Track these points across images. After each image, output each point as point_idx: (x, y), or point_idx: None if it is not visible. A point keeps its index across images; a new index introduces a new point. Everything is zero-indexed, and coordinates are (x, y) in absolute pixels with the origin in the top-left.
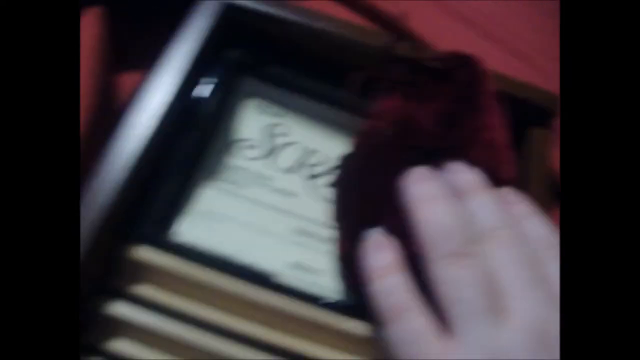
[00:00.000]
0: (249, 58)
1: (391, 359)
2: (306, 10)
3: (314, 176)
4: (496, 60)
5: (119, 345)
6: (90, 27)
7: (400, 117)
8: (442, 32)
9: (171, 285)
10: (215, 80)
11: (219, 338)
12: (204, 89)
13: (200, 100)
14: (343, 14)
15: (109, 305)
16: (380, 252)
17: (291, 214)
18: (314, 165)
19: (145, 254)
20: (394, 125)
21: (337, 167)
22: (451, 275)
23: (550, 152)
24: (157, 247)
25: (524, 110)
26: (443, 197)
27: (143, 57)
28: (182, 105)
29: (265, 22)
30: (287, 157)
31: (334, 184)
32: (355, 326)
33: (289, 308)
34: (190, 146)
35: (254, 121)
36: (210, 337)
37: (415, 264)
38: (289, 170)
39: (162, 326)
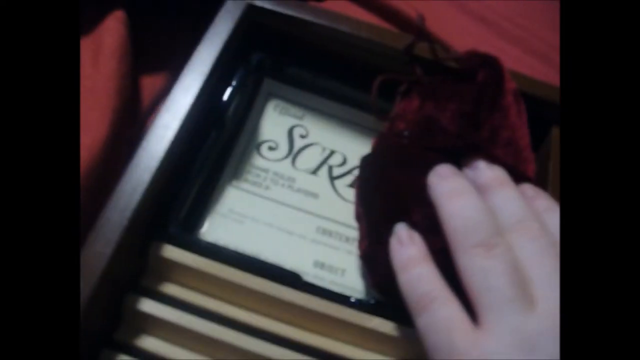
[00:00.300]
0: (271, 60)
1: (423, 352)
2: (327, 11)
3: (335, 177)
4: (513, 59)
5: (148, 342)
6: (114, 30)
7: (420, 118)
8: (459, 32)
9: (198, 284)
10: (238, 82)
11: (245, 335)
12: (227, 91)
13: (224, 102)
14: (363, 15)
15: (138, 303)
16: (407, 245)
17: (313, 214)
18: (334, 166)
19: (172, 253)
20: (413, 127)
21: (358, 168)
22: (480, 265)
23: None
24: (184, 247)
25: (543, 109)
26: (469, 192)
27: (164, 58)
28: (207, 107)
29: (286, 24)
30: (308, 158)
31: (355, 185)
32: (380, 324)
33: (315, 307)
34: (215, 148)
35: (275, 123)
36: (236, 334)
37: (441, 258)
38: (311, 171)
39: (190, 323)
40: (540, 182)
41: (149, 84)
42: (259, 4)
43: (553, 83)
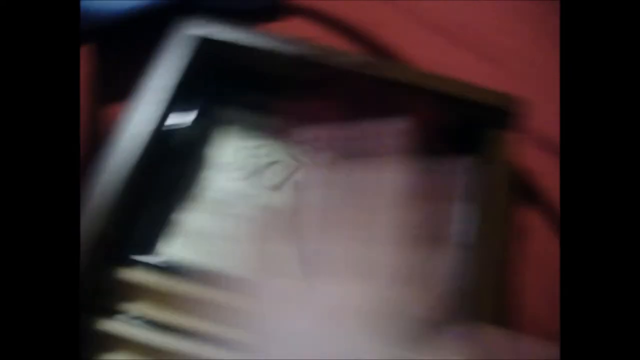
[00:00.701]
0: (226, 87)
1: None
2: (275, 35)
3: (298, 190)
4: (468, 66)
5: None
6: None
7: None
8: (415, 42)
9: (161, 302)
10: (195, 108)
11: (211, 347)
12: (184, 118)
13: (181, 128)
14: (316, 33)
15: (102, 323)
16: None
17: None
18: (297, 181)
19: (134, 274)
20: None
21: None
22: None
23: (510, 150)
24: (145, 268)
25: (480, 113)
26: None
27: (130, 88)
28: (162, 134)
29: (236, 51)
30: (271, 176)
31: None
32: None
33: None
34: (174, 172)
35: (235, 146)
36: (203, 346)
37: None
38: (274, 187)
39: (155, 340)
40: (484, 184)
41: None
42: (209, 35)
43: (507, 87)
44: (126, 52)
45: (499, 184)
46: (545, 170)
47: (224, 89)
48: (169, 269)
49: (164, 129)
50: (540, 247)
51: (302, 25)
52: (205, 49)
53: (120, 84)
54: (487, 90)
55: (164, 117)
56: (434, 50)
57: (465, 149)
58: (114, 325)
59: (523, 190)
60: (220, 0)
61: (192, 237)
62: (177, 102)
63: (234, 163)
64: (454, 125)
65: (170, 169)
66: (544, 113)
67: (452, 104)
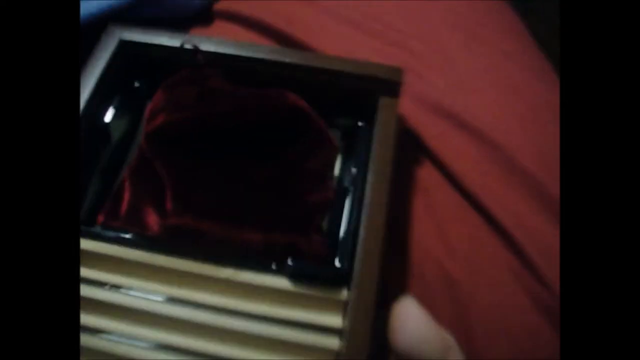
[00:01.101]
0: (148, 85)
1: None
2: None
3: None
4: (373, 50)
5: None
6: None
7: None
8: (324, 33)
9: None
10: (119, 106)
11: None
12: (107, 115)
13: (104, 125)
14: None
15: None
16: None
17: None
18: None
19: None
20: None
21: None
22: None
23: (396, 114)
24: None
25: (373, 84)
26: None
27: None
28: (91, 128)
29: (157, 52)
30: None
31: None
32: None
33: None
34: (102, 162)
35: None
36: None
37: None
38: None
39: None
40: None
41: None
42: (129, 38)
43: (410, 65)
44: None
45: (386, 143)
46: (437, 132)
47: (144, 87)
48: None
49: (87, 125)
50: (438, 199)
51: (226, 28)
52: (127, 49)
53: None
54: (377, 64)
55: (86, 115)
56: (342, 39)
57: (361, 115)
58: None
59: (414, 148)
60: (158, 9)
61: None
62: (99, 100)
63: None
64: (346, 96)
65: (97, 159)
66: (437, 83)
67: (345, 78)
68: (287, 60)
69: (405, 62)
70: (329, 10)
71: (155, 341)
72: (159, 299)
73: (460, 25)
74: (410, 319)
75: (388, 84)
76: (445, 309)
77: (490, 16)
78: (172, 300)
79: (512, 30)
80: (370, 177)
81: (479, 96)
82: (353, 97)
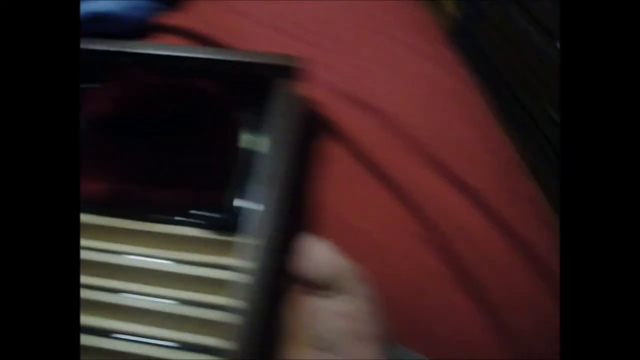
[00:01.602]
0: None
1: None
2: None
3: None
4: (290, 49)
5: None
6: None
7: None
8: (249, 37)
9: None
10: None
11: None
12: None
13: None
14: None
15: None
16: None
17: None
18: None
19: None
20: None
21: None
22: None
23: (294, 96)
24: None
25: (272, 70)
26: None
27: None
28: None
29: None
30: None
31: None
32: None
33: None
34: None
35: None
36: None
37: None
38: None
39: None
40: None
41: None
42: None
43: (323, 60)
44: None
45: (282, 116)
46: (350, 117)
47: None
48: None
49: None
50: (341, 170)
51: (165, 39)
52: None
53: None
54: (274, 54)
55: None
56: (266, 42)
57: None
58: None
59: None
60: (104, 26)
61: None
62: None
63: None
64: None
65: None
66: (345, 74)
67: (249, 65)
68: (200, 55)
69: (318, 57)
70: (256, 19)
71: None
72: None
73: (369, 25)
74: (315, 247)
75: (283, 69)
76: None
77: (398, 15)
78: (110, 252)
79: (418, 26)
80: (270, 140)
81: (383, 82)
82: (257, 81)
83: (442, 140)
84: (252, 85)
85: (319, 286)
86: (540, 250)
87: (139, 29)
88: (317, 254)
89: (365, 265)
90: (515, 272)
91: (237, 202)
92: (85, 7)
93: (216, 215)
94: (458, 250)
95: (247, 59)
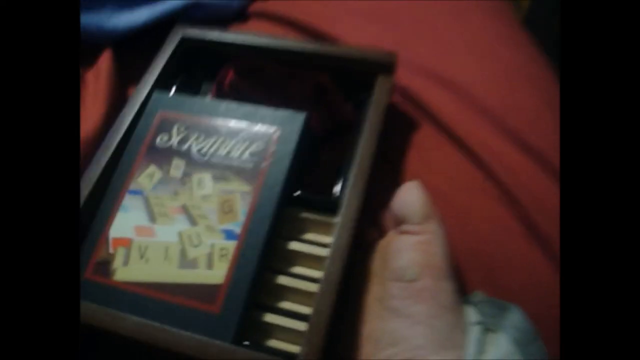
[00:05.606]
0: (203, 72)
1: None
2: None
3: None
4: (376, 33)
5: None
6: (105, 60)
7: None
8: (339, 23)
9: None
10: (179, 85)
11: None
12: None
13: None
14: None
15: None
16: None
17: None
18: None
19: None
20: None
21: None
22: None
23: (389, 89)
24: None
25: (371, 66)
26: None
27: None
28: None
29: (213, 46)
30: None
31: None
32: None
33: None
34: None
35: None
36: None
37: None
38: None
39: None
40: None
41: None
42: (190, 34)
43: (404, 41)
44: (140, 52)
45: (378, 110)
46: (432, 93)
47: (196, 73)
48: None
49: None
50: (438, 154)
51: (262, 26)
52: (186, 45)
53: (137, 74)
54: (379, 50)
55: (150, 92)
56: (354, 28)
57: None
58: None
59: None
60: (205, 12)
61: None
62: (161, 82)
63: None
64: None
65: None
66: (423, 53)
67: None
68: (306, 48)
69: (400, 39)
70: (344, 6)
71: None
72: None
73: (450, 11)
74: (409, 188)
75: (384, 65)
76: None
77: (476, 1)
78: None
79: (493, 11)
80: (364, 129)
81: (461, 62)
82: (360, 75)
83: (512, 109)
84: (354, 79)
85: (405, 221)
86: None
87: (238, 15)
88: (407, 193)
89: (447, 223)
90: None
91: (336, 187)
92: None
93: (328, 199)
94: (527, 208)
95: (354, 55)
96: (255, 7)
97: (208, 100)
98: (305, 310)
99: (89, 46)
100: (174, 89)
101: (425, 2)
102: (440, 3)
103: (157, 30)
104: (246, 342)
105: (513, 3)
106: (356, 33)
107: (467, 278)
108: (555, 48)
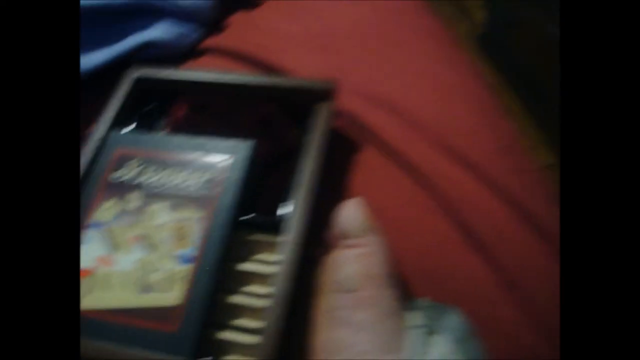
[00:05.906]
0: (157, 109)
1: None
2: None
3: None
4: (326, 65)
5: None
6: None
7: None
8: (287, 54)
9: None
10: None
11: None
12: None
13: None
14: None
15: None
16: None
17: None
18: None
19: None
20: None
21: None
22: None
23: (329, 115)
24: None
25: (311, 95)
26: None
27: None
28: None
29: (166, 84)
30: None
31: None
32: None
33: None
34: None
35: None
36: None
37: None
38: None
39: None
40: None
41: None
42: (144, 74)
43: (347, 67)
44: (99, 93)
45: (320, 135)
46: (373, 115)
47: (152, 110)
48: None
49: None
50: (380, 173)
51: (215, 61)
52: (141, 84)
53: (93, 114)
54: (316, 79)
55: (108, 131)
56: (308, 62)
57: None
58: None
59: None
60: (159, 51)
61: None
62: (121, 122)
63: None
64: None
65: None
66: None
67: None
68: (251, 82)
69: (343, 66)
70: (291, 38)
71: None
72: None
73: (385, 35)
74: (350, 205)
75: (324, 93)
76: None
77: (412, 26)
78: None
79: (429, 33)
80: (308, 153)
81: (398, 82)
82: (302, 104)
83: (450, 126)
84: (301, 106)
85: (347, 236)
86: (539, 213)
87: (191, 51)
88: (349, 209)
89: (391, 236)
90: (517, 233)
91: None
92: (136, 38)
93: (276, 220)
94: (466, 219)
95: (295, 85)
96: (208, 42)
97: (163, 135)
98: (258, 325)
99: None
100: (131, 126)
101: (365, 30)
102: (378, 29)
103: (116, 70)
104: (207, 358)
105: (466, 19)
106: (302, 62)
107: (415, 286)
108: (511, 62)
